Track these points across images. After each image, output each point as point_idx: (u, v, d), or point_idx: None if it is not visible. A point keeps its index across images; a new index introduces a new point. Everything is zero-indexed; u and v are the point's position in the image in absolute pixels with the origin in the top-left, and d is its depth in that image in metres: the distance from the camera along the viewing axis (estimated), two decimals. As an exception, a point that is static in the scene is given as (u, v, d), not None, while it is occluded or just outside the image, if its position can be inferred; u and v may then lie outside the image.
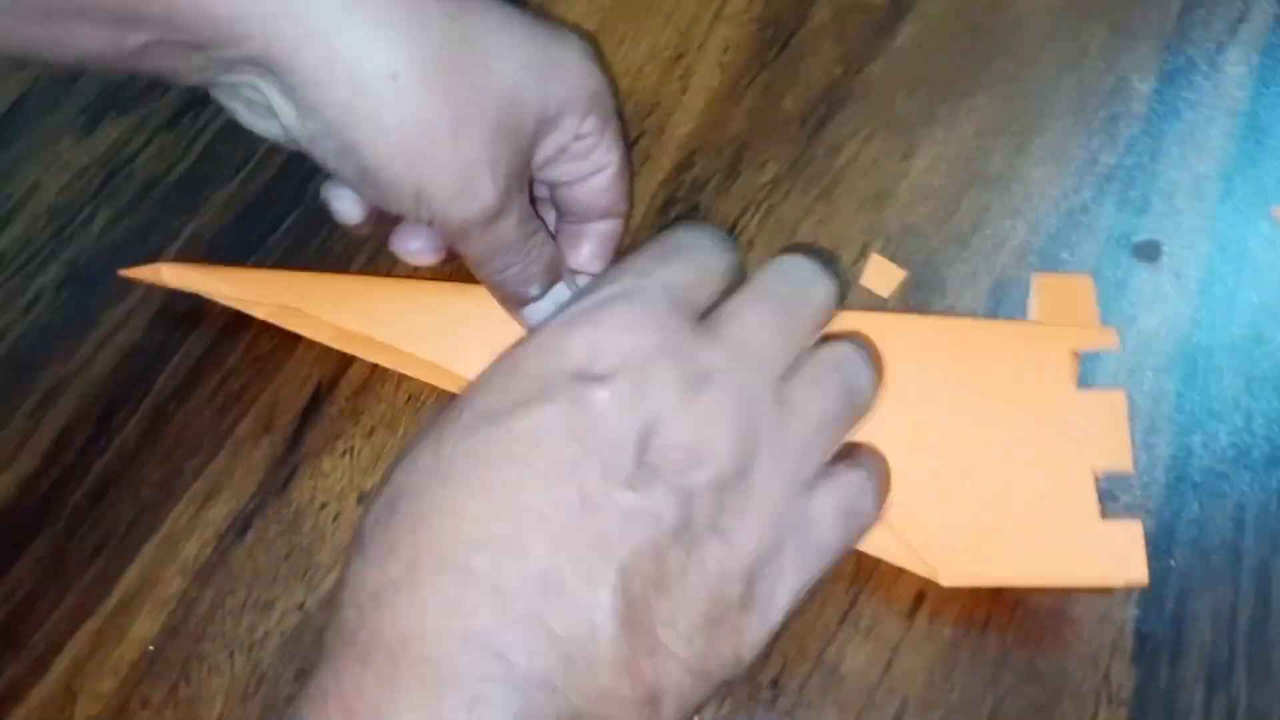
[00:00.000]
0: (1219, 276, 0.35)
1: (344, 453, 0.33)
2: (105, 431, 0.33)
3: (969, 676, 0.29)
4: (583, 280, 0.32)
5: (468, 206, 0.27)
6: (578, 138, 0.29)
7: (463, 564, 0.21)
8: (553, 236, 0.31)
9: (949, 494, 0.30)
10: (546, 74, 0.28)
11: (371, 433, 0.33)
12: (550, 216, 0.33)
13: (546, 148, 0.29)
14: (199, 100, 0.39)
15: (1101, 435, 0.30)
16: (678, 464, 0.22)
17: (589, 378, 0.22)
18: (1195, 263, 0.35)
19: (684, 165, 0.38)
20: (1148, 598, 0.30)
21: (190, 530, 0.32)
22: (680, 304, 0.24)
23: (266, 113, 0.28)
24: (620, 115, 0.31)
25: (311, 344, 0.34)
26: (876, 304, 0.35)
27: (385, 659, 0.20)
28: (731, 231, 0.36)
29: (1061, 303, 0.33)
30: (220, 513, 0.32)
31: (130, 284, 0.35)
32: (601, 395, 0.22)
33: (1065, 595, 0.30)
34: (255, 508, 0.32)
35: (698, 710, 0.23)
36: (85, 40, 0.25)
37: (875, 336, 0.28)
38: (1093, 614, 0.30)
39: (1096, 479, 0.30)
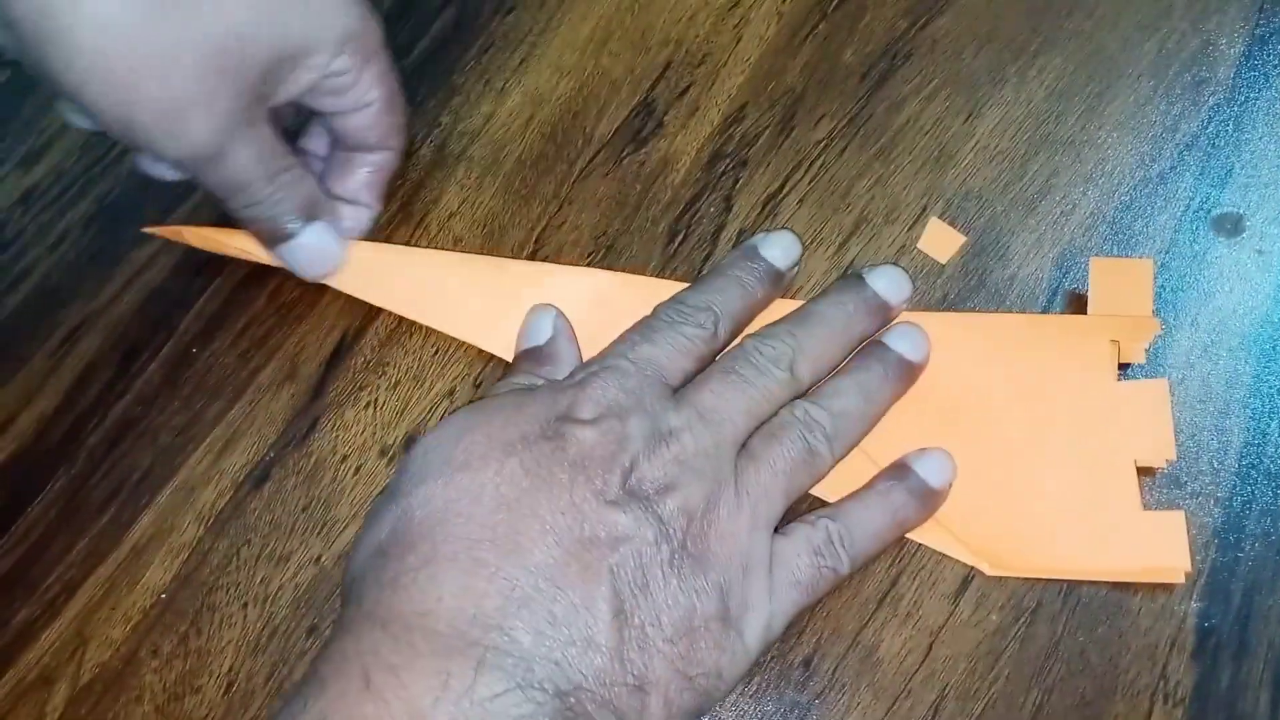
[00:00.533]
0: None
1: (368, 404, 0.32)
2: (126, 373, 0.33)
3: (1015, 667, 0.27)
4: (349, 211, 0.33)
5: (179, 144, 0.27)
6: (329, 75, 0.30)
7: (474, 556, 0.24)
8: (314, 173, 0.32)
9: (993, 486, 0.29)
10: (284, 13, 0.28)
11: (396, 385, 0.32)
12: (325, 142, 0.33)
13: (291, 85, 0.29)
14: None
15: (1143, 426, 0.29)
16: (653, 493, 0.25)
17: (576, 421, 0.26)
18: (1279, 238, 0.33)
19: (734, 119, 0.36)
20: (1212, 591, 0.28)
21: (207, 478, 0.31)
22: (653, 378, 0.27)
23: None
24: (385, 51, 0.31)
25: (338, 293, 0.33)
26: (934, 270, 0.33)
27: (402, 628, 0.23)
28: (781, 189, 0.34)
29: (1118, 288, 0.31)
30: (238, 462, 0.31)
31: (161, 219, 0.34)
32: (588, 433, 0.26)
33: (1122, 587, 0.28)
34: (274, 458, 0.31)
35: None
36: None
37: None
38: (1152, 606, 0.28)
39: (1152, 469, 0.29)
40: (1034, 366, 0.30)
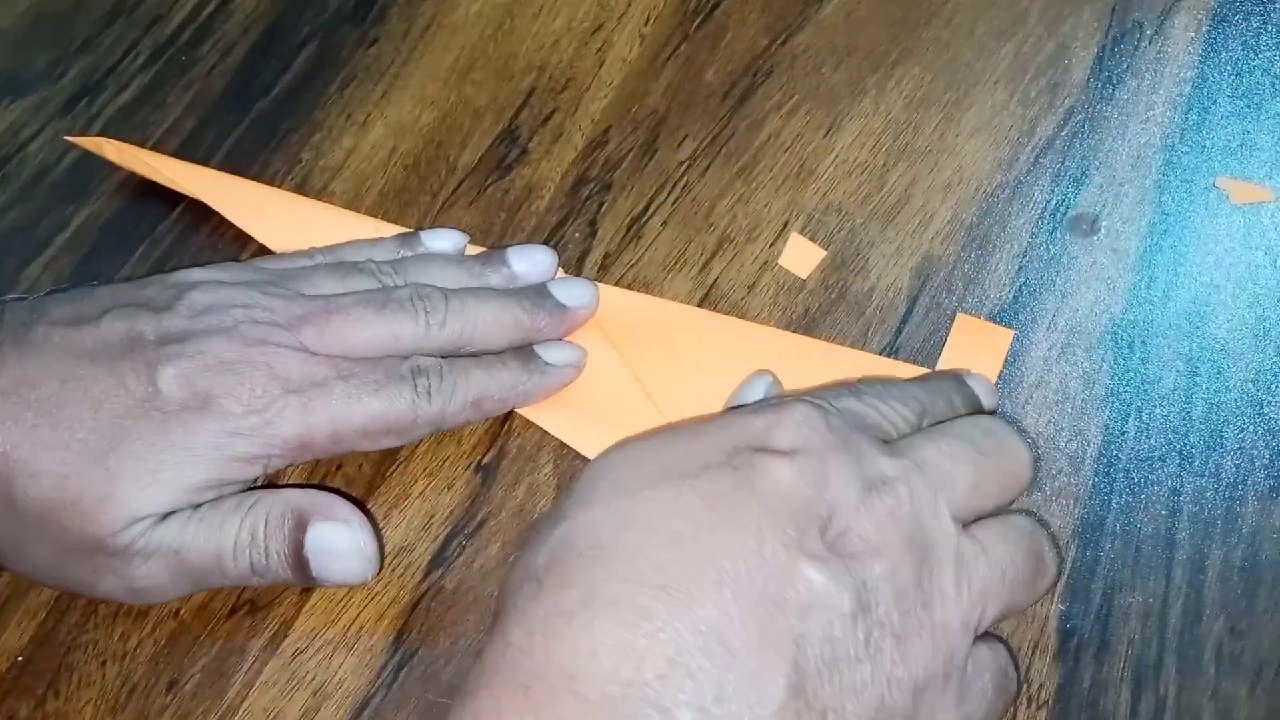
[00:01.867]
0: (1160, 250, 0.33)
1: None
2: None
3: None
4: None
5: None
6: None
7: (637, 604, 0.20)
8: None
9: None
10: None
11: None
12: None
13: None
14: (94, 86, 0.38)
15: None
16: (857, 552, 0.22)
17: (770, 451, 0.22)
18: (1135, 237, 0.33)
19: (598, 143, 0.36)
20: (1074, 592, 0.28)
21: (65, 534, 0.30)
22: (861, 426, 0.24)
23: None
24: None
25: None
26: (795, 285, 0.33)
27: (547, 693, 0.20)
28: (646, 211, 0.34)
29: (973, 349, 0.31)
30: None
31: (16, 274, 0.34)
32: (784, 468, 0.22)
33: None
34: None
35: None
36: None
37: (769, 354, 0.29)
38: (1014, 611, 0.28)
39: None
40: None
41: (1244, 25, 0.37)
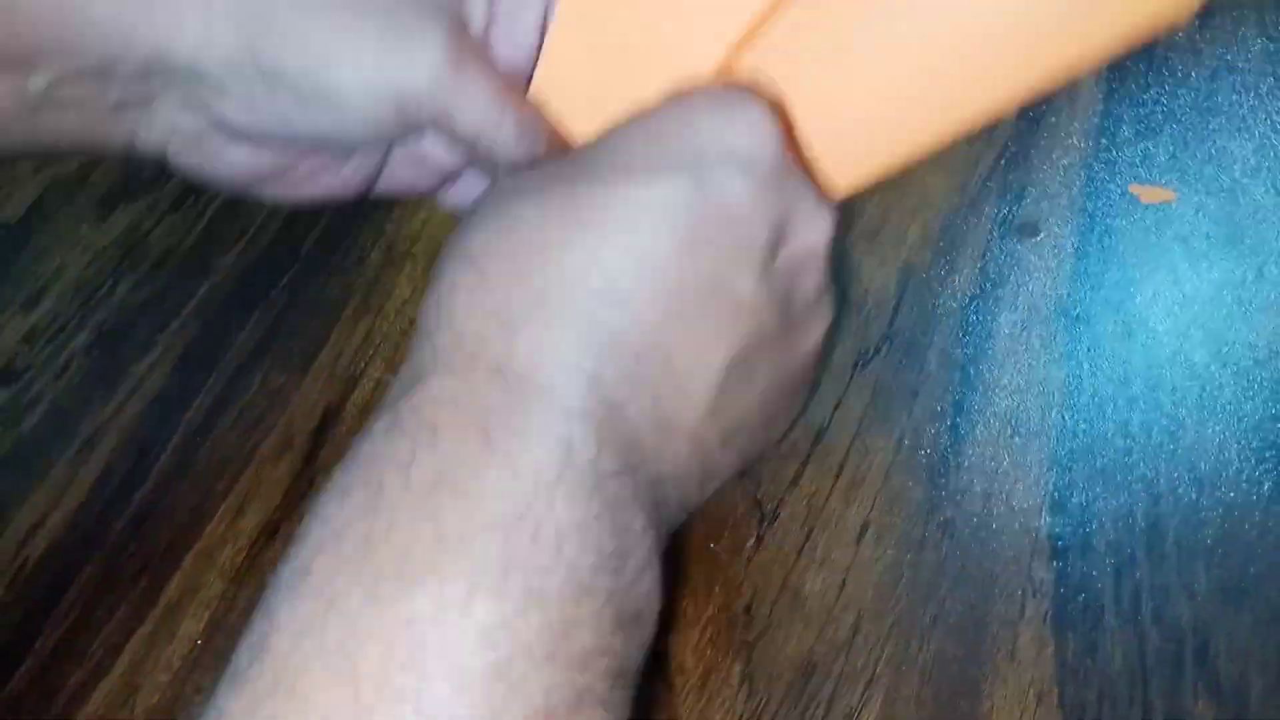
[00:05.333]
0: (1089, 244, 0.41)
1: (355, 462, 0.37)
2: (141, 467, 0.38)
3: (912, 588, 0.34)
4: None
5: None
6: None
7: (590, 313, 0.21)
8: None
9: None
10: None
11: (377, 444, 0.38)
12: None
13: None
14: (195, 187, 0.45)
15: None
16: (795, 270, 0.24)
17: (727, 159, 0.23)
18: (1069, 236, 0.42)
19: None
20: (1058, 506, 0.35)
21: (224, 540, 0.36)
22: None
23: (209, 126, 0.28)
24: None
25: (319, 373, 0.39)
26: (804, 294, 0.40)
27: (516, 381, 0.21)
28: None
29: None
30: (251, 523, 0.36)
31: (151, 342, 0.40)
32: (740, 184, 0.23)
33: (987, 509, 0.35)
34: (281, 516, 0.36)
35: None
36: None
37: None
38: (1012, 524, 0.35)
39: None
40: None
41: (1135, 68, 0.46)
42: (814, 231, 0.25)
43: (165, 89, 0.27)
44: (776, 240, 0.24)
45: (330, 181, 0.31)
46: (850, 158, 0.29)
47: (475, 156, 0.29)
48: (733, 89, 0.25)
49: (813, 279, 0.26)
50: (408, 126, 0.27)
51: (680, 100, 0.24)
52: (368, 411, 0.38)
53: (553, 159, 0.26)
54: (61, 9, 0.25)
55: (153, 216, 0.44)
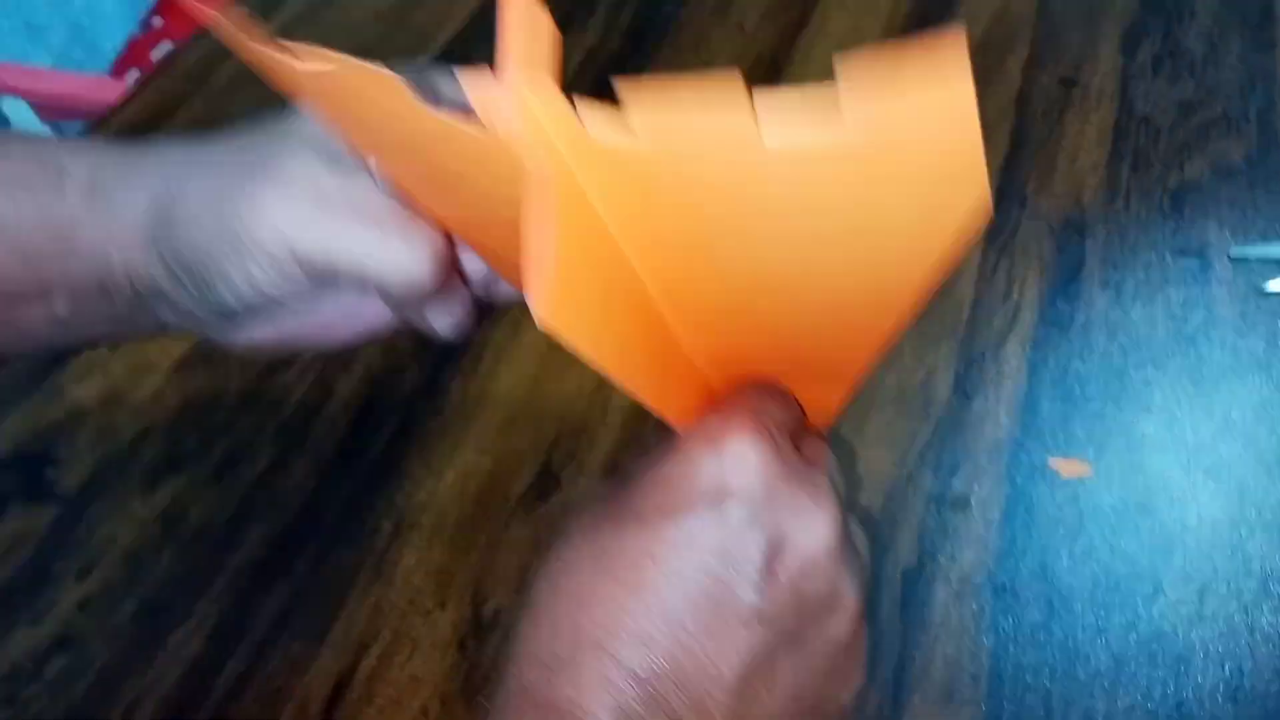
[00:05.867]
0: (1015, 518, 0.47)
1: (364, 728, 0.42)
2: (176, 732, 0.43)
3: None
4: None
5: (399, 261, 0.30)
6: None
7: (613, 652, 0.26)
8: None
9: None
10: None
11: (382, 710, 0.43)
12: None
13: None
14: (234, 461, 0.51)
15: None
16: (798, 575, 0.27)
17: (718, 499, 0.27)
18: (996, 508, 0.47)
19: (610, 468, 0.50)
20: None
21: (247, 805, 0.41)
22: (783, 430, 0.29)
23: (209, 310, 0.32)
24: None
25: (334, 642, 0.44)
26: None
27: (555, 716, 0.26)
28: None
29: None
30: (270, 788, 0.41)
31: (189, 610, 0.45)
32: (732, 517, 0.27)
33: None
34: (297, 781, 0.41)
35: None
36: (26, 322, 0.32)
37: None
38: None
39: None
40: None
41: (1056, 346, 0.53)
42: (810, 538, 0.28)
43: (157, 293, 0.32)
44: (772, 555, 0.27)
45: (355, 324, 0.35)
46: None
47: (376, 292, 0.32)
48: (728, 419, 0.28)
49: (821, 577, 0.28)
50: (317, 278, 0.31)
51: (681, 445, 0.28)
52: (375, 679, 0.44)
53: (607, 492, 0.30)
54: (59, 243, 0.32)
55: (193, 490, 0.50)
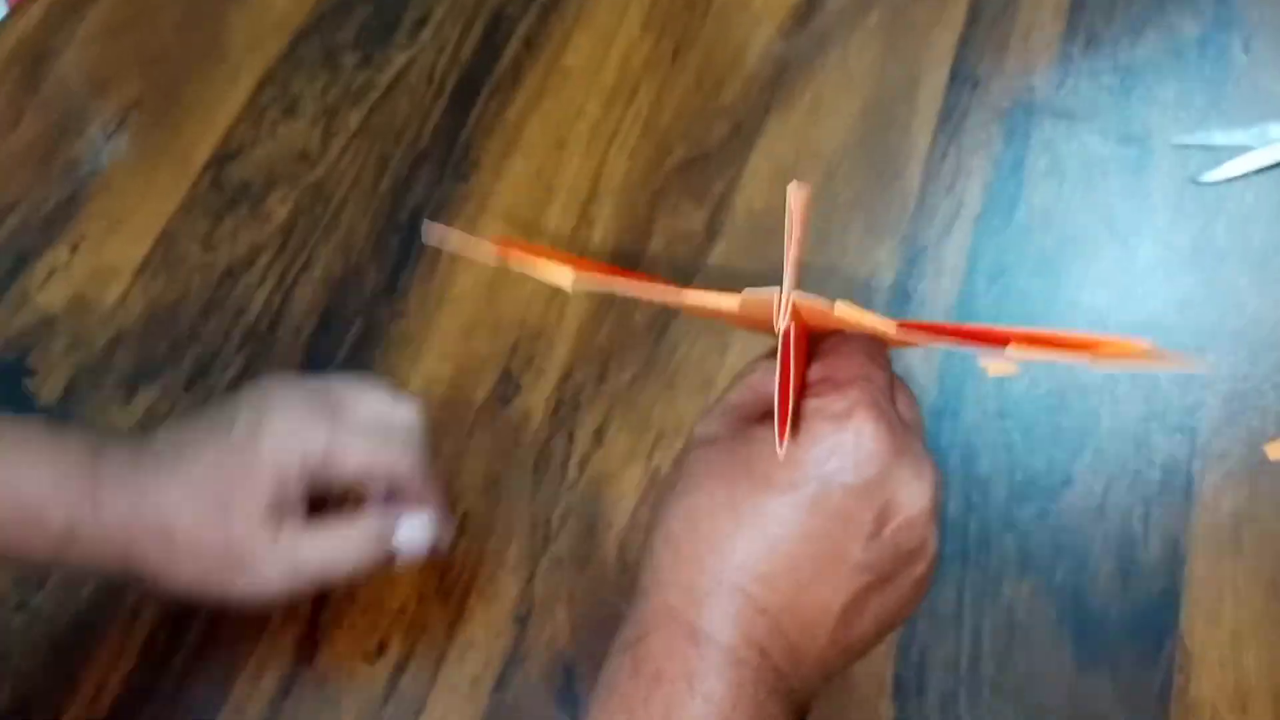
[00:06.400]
0: (940, 414, 0.50)
1: None
2: (179, 633, 0.47)
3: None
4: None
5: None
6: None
7: (748, 591, 0.31)
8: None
9: None
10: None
11: (365, 609, 0.47)
12: None
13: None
14: (205, 369, 0.53)
15: None
16: (900, 533, 0.32)
17: (839, 474, 0.31)
18: (923, 404, 0.51)
19: (566, 374, 0.52)
20: (900, 653, 0.45)
21: (250, 698, 0.45)
22: (887, 395, 0.33)
23: None
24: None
25: None
26: (710, 466, 0.49)
27: (704, 639, 0.31)
28: (604, 423, 0.51)
29: None
30: (270, 683, 0.46)
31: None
32: (851, 491, 0.31)
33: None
34: (292, 677, 0.46)
35: None
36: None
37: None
38: (865, 670, 0.45)
39: None
40: None
41: (996, 241, 0.55)
42: (913, 503, 0.32)
43: None
44: (882, 518, 0.32)
45: None
46: None
47: None
48: (847, 395, 0.32)
49: (916, 534, 0.32)
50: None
51: (811, 426, 0.32)
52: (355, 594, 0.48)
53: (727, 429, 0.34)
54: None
55: (167, 399, 0.53)
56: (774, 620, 0.32)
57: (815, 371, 0.33)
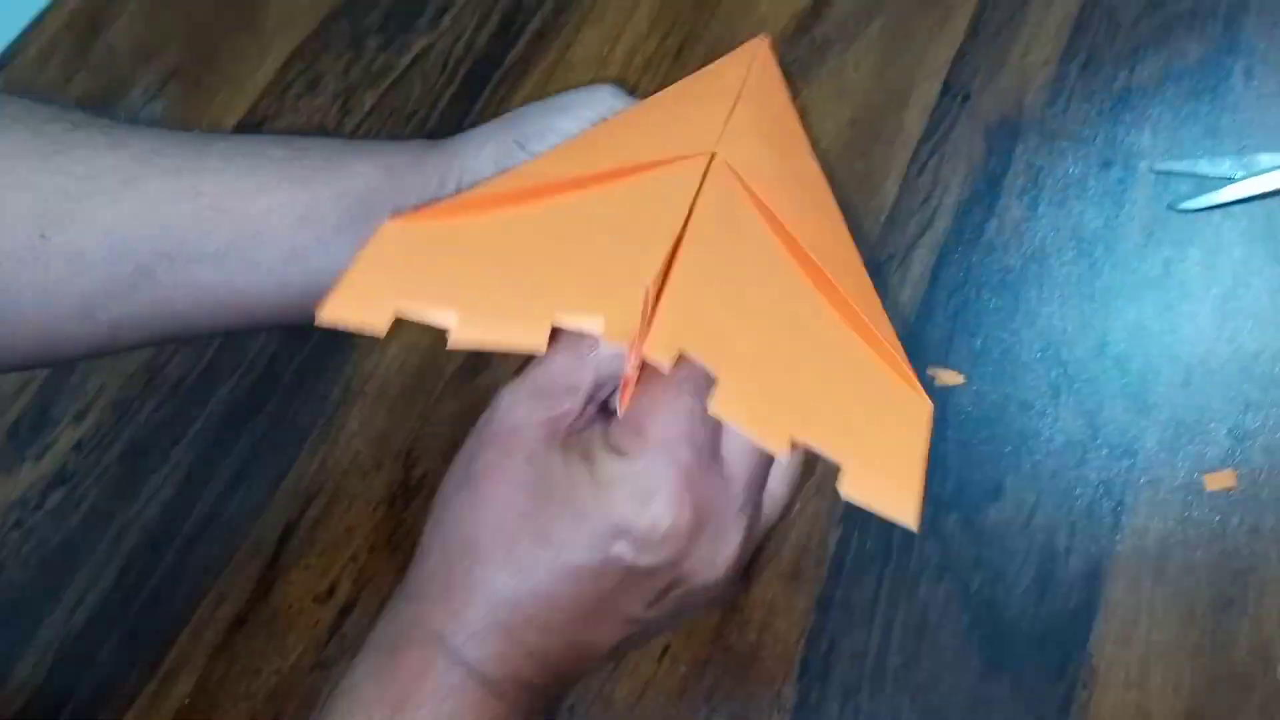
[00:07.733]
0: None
1: None
2: (153, 562, 0.51)
3: (693, 697, 0.46)
4: None
5: None
6: None
7: (518, 634, 0.31)
8: None
9: None
10: None
11: (322, 553, 0.51)
12: None
13: None
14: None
15: None
16: (686, 594, 0.32)
17: (631, 536, 0.30)
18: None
19: (534, 353, 0.55)
20: (810, 639, 0.47)
21: (208, 624, 0.50)
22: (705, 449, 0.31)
23: None
24: None
25: (286, 491, 0.52)
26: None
27: (448, 668, 0.30)
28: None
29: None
30: (228, 611, 0.50)
31: (166, 456, 0.53)
32: (643, 556, 0.30)
33: (758, 637, 0.47)
34: (249, 608, 0.50)
35: None
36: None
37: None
38: (770, 649, 0.47)
39: None
40: None
41: (962, 256, 0.56)
42: (708, 573, 0.31)
43: None
44: (671, 587, 0.31)
45: None
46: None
47: None
48: (653, 466, 0.30)
49: (707, 595, 0.32)
50: None
51: (606, 486, 0.30)
52: (317, 527, 0.52)
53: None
54: None
55: (168, 348, 0.57)
56: (541, 660, 0.31)
57: (636, 408, 0.30)
